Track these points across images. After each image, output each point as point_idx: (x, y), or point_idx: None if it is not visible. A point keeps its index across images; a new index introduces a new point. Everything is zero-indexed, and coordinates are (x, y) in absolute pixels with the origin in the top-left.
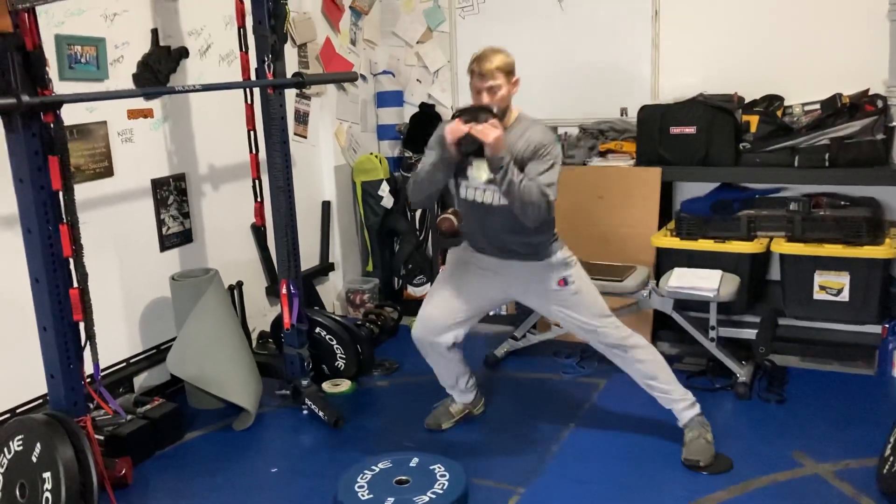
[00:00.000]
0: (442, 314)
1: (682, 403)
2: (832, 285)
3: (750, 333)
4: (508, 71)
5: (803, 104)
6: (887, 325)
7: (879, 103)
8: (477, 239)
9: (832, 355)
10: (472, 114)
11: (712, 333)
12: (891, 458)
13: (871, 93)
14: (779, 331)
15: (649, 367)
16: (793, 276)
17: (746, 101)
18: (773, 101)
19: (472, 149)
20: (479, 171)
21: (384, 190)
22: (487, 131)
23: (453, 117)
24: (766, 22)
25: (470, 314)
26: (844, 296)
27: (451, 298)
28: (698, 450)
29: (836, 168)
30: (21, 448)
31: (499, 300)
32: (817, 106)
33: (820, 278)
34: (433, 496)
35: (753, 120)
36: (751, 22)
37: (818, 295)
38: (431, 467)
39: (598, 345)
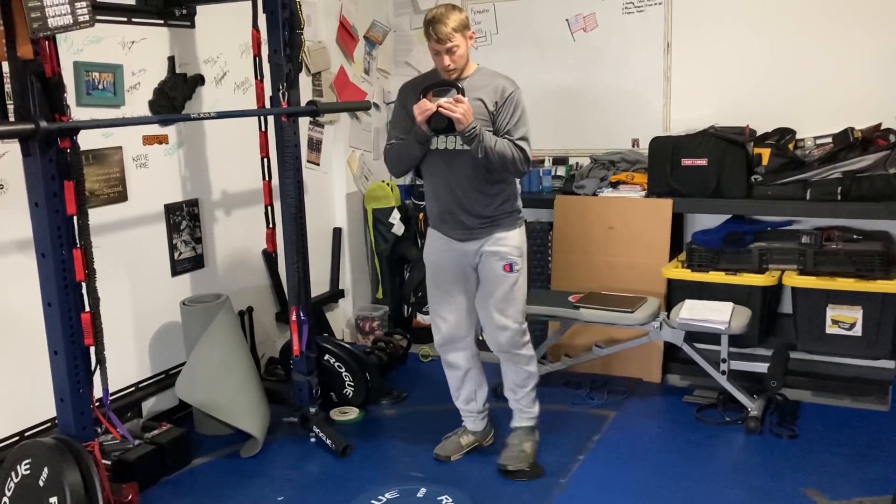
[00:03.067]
0: (453, 322)
1: (530, 412)
2: (845, 319)
3: (761, 367)
4: (464, 28)
5: (815, 137)
6: None
7: (892, 137)
8: (445, 213)
9: (845, 390)
10: (438, 90)
11: (723, 366)
12: None
13: (883, 127)
14: (791, 365)
15: (531, 378)
16: (805, 309)
17: (758, 133)
18: (784, 134)
19: (441, 125)
20: (448, 142)
21: (395, 217)
22: (454, 107)
23: (421, 93)
24: (778, 55)
25: (471, 305)
26: (857, 330)
27: (450, 307)
28: (512, 456)
29: (848, 202)
30: (28, 472)
31: (470, 288)
32: (829, 139)
33: (832, 312)
34: None
35: (765, 153)
36: (763, 55)
37: (830, 329)
38: (439, 498)
39: (497, 344)
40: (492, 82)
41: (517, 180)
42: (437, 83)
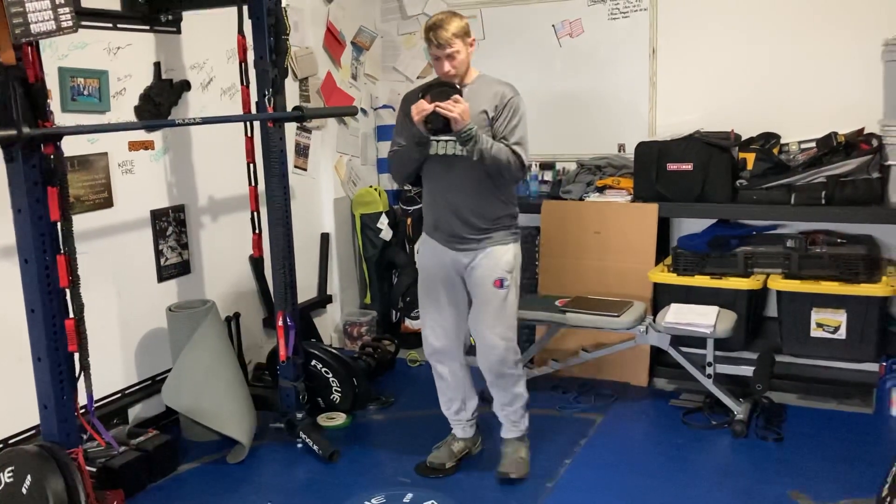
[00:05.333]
0: (441, 332)
1: (519, 426)
2: (829, 322)
3: (747, 370)
4: (464, 34)
5: (799, 142)
6: (885, 364)
7: (875, 142)
8: (440, 220)
9: (830, 393)
10: (435, 91)
11: (709, 370)
12: (888, 498)
13: (866, 132)
14: (776, 368)
15: (519, 398)
16: (790, 312)
17: (743, 138)
18: (769, 138)
19: (439, 125)
20: (448, 147)
21: (383, 223)
22: (452, 107)
23: (420, 95)
24: (762, 61)
25: (461, 314)
26: (841, 333)
27: (436, 304)
28: (512, 463)
29: (832, 206)
30: (11, 480)
31: (460, 292)
32: (813, 144)
33: (817, 315)
34: None
35: (750, 157)
36: (747, 60)
37: (815, 332)
38: (426, 503)
39: (487, 363)
40: (492, 88)
41: (515, 198)
42: (435, 84)
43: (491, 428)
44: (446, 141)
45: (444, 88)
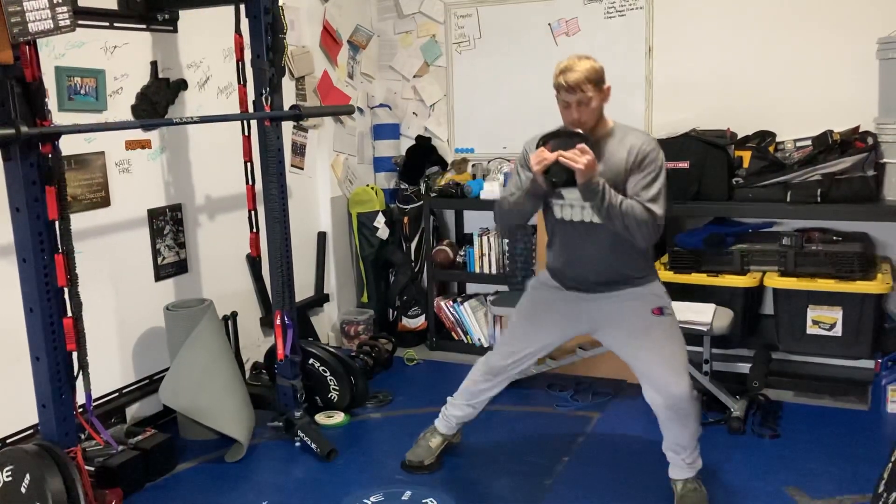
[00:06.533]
0: (522, 346)
1: (696, 465)
2: (825, 320)
3: (744, 367)
4: (598, 80)
5: (795, 140)
6: (880, 361)
7: (870, 140)
8: (569, 270)
9: (826, 390)
10: (558, 139)
11: (706, 367)
12: (884, 494)
13: (861, 130)
14: (772, 365)
15: (696, 434)
16: (786, 310)
17: (739, 136)
18: (765, 136)
19: (562, 178)
20: (579, 212)
21: (380, 221)
22: (577, 157)
23: (538, 143)
24: (758, 59)
25: (546, 348)
26: (837, 330)
27: (531, 332)
28: (696, 501)
29: (827, 203)
30: (10, 479)
31: (576, 334)
32: (809, 142)
33: (813, 313)
34: None
35: (746, 155)
36: (743, 59)
37: (811, 329)
38: (424, 501)
39: (667, 403)
40: (628, 140)
41: (653, 252)
42: (558, 131)
43: (487, 424)
44: (574, 205)
45: (569, 136)
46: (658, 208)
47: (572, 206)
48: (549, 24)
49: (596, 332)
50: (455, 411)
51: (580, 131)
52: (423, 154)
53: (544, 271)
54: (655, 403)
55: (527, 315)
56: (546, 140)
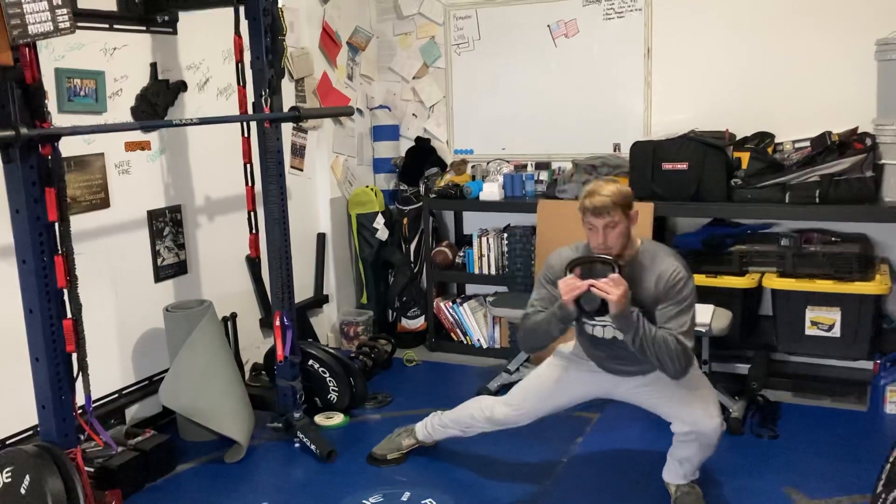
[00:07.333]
0: (534, 405)
1: (694, 475)
2: (824, 321)
3: (742, 368)
4: (625, 204)
5: (794, 141)
6: (878, 361)
7: (868, 141)
8: (599, 363)
9: (824, 391)
10: (588, 266)
11: (705, 368)
12: (883, 495)
13: (859, 131)
14: (771, 366)
15: (703, 457)
16: (784, 311)
17: (738, 137)
18: (763, 138)
19: (594, 306)
20: (611, 331)
21: (379, 223)
22: (610, 289)
23: (567, 268)
24: (756, 60)
25: (556, 409)
26: (836, 331)
27: (546, 395)
28: (693, 502)
29: (826, 205)
30: (10, 480)
31: (593, 398)
32: (807, 143)
33: (811, 314)
34: None
35: (745, 156)
36: (742, 60)
37: (810, 330)
38: (423, 501)
39: (702, 446)
40: (658, 266)
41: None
42: (589, 258)
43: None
44: (605, 325)
45: (600, 264)
46: (689, 340)
47: (604, 327)
48: (548, 26)
49: (613, 394)
50: (442, 429)
51: (610, 258)
52: (423, 155)
53: (571, 345)
54: (683, 432)
55: (550, 376)
56: (574, 266)
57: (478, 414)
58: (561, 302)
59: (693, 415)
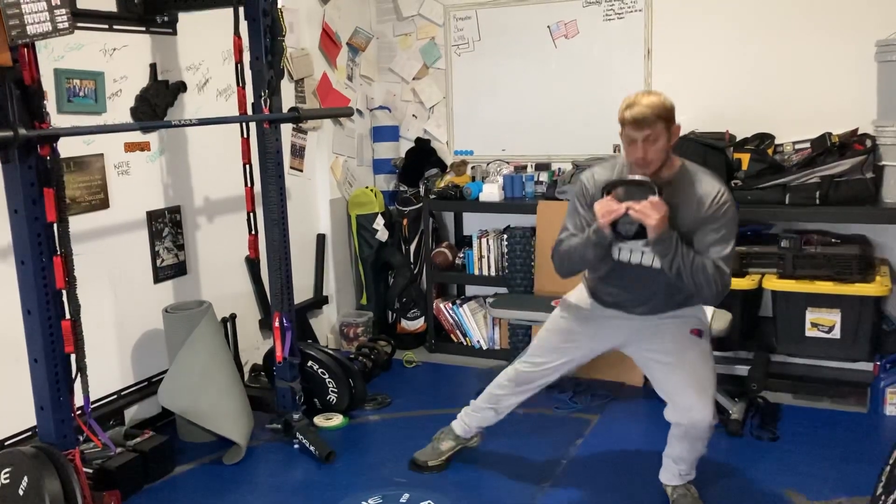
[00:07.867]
0: (551, 358)
1: (689, 476)
2: (824, 322)
3: (742, 370)
4: (668, 117)
5: (794, 143)
6: (878, 363)
7: (868, 142)
8: (614, 298)
9: (824, 392)
10: (626, 188)
11: None
12: (882, 497)
13: (860, 132)
14: (771, 367)
15: (696, 454)
16: (784, 312)
17: (738, 139)
18: (763, 139)
19: (631, 231)
20: (639, 256)
21: (379, 223)
22: (650, 212)
23: (604, 190)
24: (757, 61)
25: (575, 361)
26: (836, 333)
27: (561, 345)
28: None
29: (826, 206)
30: (8, 481)
31: (607, 349)
32: (807, 145)
33: (811, 315)
34: None
35: (745, 158)
36: (742, 61)
37: (810, 332)
38: (422, 503)
39: (690, 432)
40: (700, 187)
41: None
42: (626, 180)
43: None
44: (635, 249)
45: (638, 186)
46: (728, 267)
47: (632, 251)
48: (549, 27)
49: (627, 347)
50: (476, 414)
51: (649, 180)
52: (423, 156)
53: (579, 291)
54: (674, 422)
55: (558, 329)
56: (611, 188)
57: (503, 380)
58: (597, 225)
59: (687, 401)
